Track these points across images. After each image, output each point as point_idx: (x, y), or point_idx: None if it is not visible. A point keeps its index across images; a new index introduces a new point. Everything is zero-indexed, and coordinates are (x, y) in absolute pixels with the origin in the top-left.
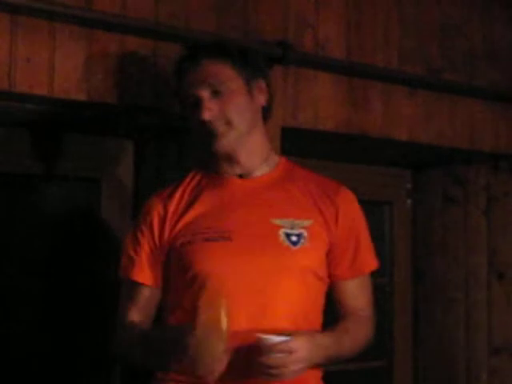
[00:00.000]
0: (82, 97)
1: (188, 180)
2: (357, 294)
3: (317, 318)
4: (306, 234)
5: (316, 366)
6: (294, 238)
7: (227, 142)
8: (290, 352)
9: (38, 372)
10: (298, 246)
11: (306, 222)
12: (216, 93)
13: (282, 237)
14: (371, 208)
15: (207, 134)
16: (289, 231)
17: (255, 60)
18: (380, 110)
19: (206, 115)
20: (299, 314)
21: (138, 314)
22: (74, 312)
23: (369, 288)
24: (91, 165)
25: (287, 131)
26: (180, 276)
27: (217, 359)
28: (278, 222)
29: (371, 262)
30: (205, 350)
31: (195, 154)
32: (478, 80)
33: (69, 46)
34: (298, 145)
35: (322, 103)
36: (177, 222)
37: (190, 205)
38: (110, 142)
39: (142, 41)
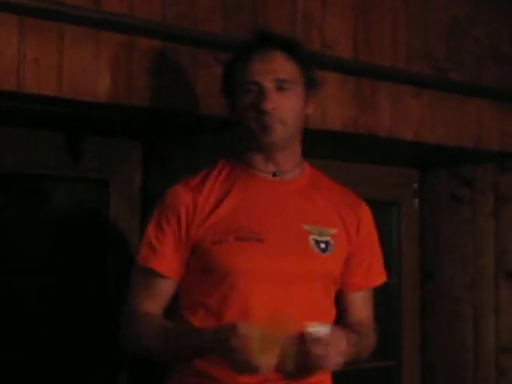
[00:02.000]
0: (90, 98)
1: (217, 171)
2: (364, 305)
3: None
4: (332, 242)
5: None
6: (322, 246)
7: (276, 137)
8: (333, 343)
9: (46, 372)
10: (327, 254)
11: (332, 231)
12: (280, 88)
13: (312, 243)
14: (379, 208)
15: (259, 124)
16: (318, 238)
17: (315, 69)
18: (387, 109)
19: (269, 105)
20: (322, 319)
21: (153, 304)
22: (83, 312)
23: (372, 301)
24: (100, 166)
25: None
26: (206, 274)
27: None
28: (307, 227)
29: (382, 275)
30: (258, 353)
31: (206, 156)
32: (485, 80)
33: (77, 47)
34: (305, 144)
35: (330, 103)
36: (207, 217)
37: (221, 199)
38: (119, 143)
39: (150, 41)
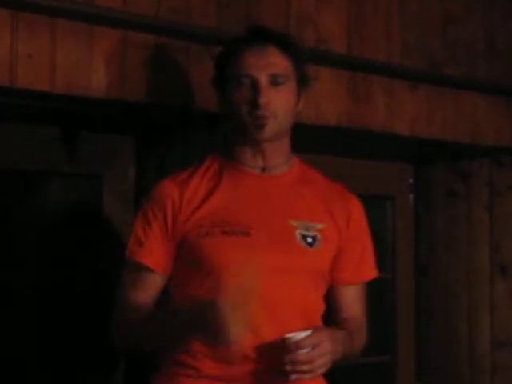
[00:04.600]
0: (83, 93)
1: (205, 166)
2: (356, 300)
3: (320, 319)
4: (319, 236)
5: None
6: (309, 240)
7: (269, 132)
8: (315, 346)
9: (40, 371)
10: (314, 248)
11: (320, 225)
12: (274, 83)
13: (299, 237)
14: (373, 203)
15: (253, 119)
16: (304, 233)
17: (308, 66)
18: (382, 104)
19: (264, 100)
20: (309, 313)
21: (142, 296)
22: (76, 309)
23: (365, 296)
24: (93, 161)
25: None
26: (194, 269)
27: (238, 331)
28: (294, 222)
29: (374, 270)
30: (230, 321)
31: (200, 151)
32: (480, 74)
33: (70, 42)
34: (300, 140)
35: (324, 98)
36: (193, 211)
37: (208, 194)
38: (112, 137)
39: (143, 36)
